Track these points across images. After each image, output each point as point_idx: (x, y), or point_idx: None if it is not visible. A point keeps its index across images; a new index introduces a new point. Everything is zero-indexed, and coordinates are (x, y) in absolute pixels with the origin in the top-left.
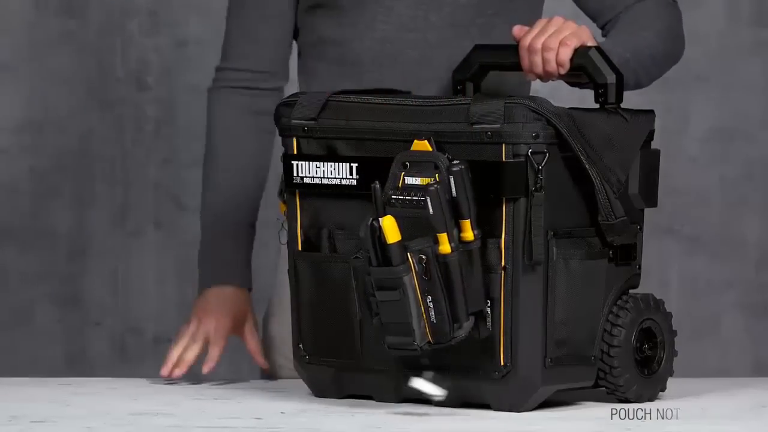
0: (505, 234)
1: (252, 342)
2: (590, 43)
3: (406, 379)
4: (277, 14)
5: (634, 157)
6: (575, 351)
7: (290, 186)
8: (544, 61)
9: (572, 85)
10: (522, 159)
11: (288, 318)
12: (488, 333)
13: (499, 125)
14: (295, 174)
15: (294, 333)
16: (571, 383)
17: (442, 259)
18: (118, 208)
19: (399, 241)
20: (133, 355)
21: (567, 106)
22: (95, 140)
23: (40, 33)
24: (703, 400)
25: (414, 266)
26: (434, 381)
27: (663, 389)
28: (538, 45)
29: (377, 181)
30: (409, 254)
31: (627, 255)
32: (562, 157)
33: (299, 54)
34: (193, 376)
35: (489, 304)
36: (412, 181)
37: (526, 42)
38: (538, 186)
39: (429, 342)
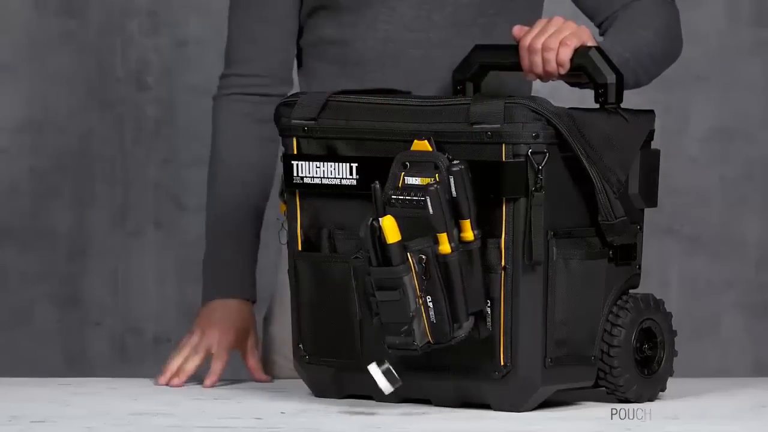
0: (505, 234)
1: (252, 360)
2: (590, 43)
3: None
4: (281, 18)
5: (634, 157)
6: (575, 351)
7: (290, 186)
8: (544, 61)
9: (572, 85)
10: (522, 159)
11: (288, 318)
12: (488, 333)
13: (499, 125)
14: (295, 174)
15: (294, 333)
16: (571, 383)
17: (442, 259)
18: (118, 208)
19: (399, 241)
20: (133, 355)
21: (567, 106)
22: (95, 140)
23: (40, 33)
24: (703, 400)
25: (414, 266)
26: (389, 375)
27: (663, 389)
28: (538, 45)
29: (377, 181)
30: (409, 254)
31: (627, 255)
32: (562, 157)
33: (299, 54)
34: (194, 376)
35: (489, 304)
36: (412, 181)
37: (526, 42)
38: (538, 186)
39: (429, 342)
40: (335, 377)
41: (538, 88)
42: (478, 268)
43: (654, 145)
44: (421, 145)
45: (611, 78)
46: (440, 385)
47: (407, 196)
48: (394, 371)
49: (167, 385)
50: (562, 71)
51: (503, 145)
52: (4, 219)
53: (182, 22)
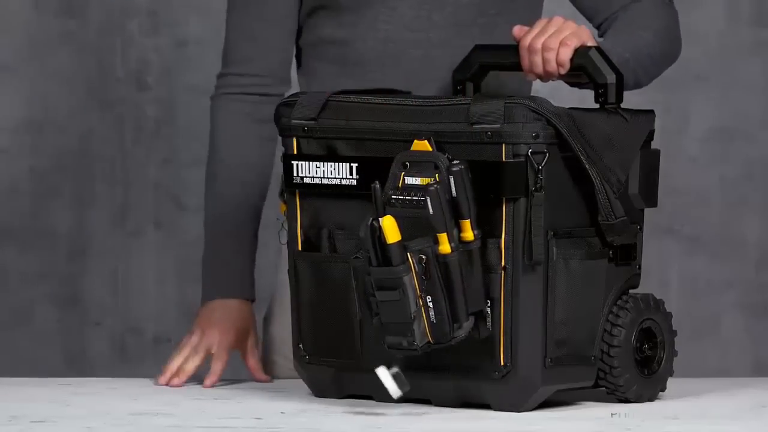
0: (505, 234)
1: (252, 360)
2: (590, 43)
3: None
4: (281, 18)
5: (634, 157)
6: (575, 351)
7: (290, 186)
8: (544, 61)
9: (572, 85)
10: (522, 159)
11: (288, 318)
12: (488, 333)
13: (499, 125)
14: (295, 174)
15: (294, 333)
16: (571, 383)
17: (442, 259)
18: (118, 208)
19: (399, 241)
20: (133, 355)
21: (567, 106)
22: (95, 140)
23: (40, 33)
24: (703, 400)
25: (414, 266)
26: (398, 379)
27: (663, 389)
28: (538, 45)
29: (377, 181)
30: (409, 254)
31: (627, 255)
32: (562, 157)
33: (298, 54)
34: (194, 376)
35: (489, 304)
36: (412, 181)
37: (526, 42)
38: (538, 186)
39: (429, 342)
40: (335, 377)
41: (538, 88)
42: (478, 268)
43: (654, 145)
44: (421, 145)
45: (611, 78)
46: (440, 385)
47: (407, 196)
48: (403, 375)
49: (167, 385)
50: (562, 71)
51: (503, 145)
52: (4, 219)
53: (182, 22)
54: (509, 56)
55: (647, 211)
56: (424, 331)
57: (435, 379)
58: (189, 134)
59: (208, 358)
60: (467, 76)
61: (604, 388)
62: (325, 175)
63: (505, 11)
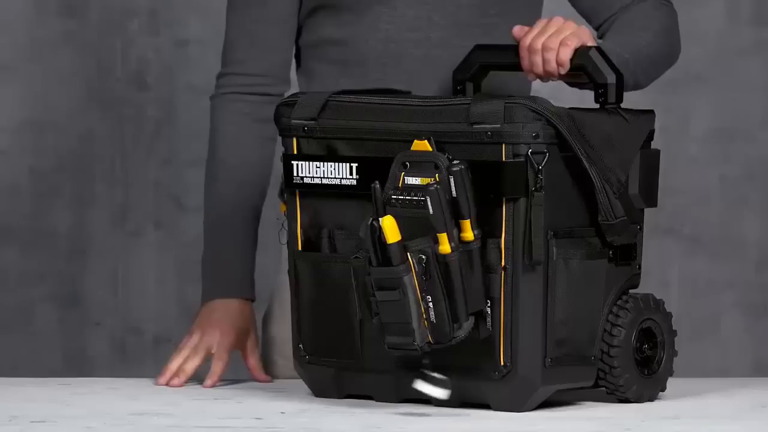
0: (505, 234)
1: (252, 359)
2: (590, 43)
3: (410, 380)
4: (281, 18)
5: (634, 157)
6: (575, 351)
7: (290, 186)
8: (544, 61)
9: (572, 85)
10: (522, 159)
11: (288, 318)
12: (488, 333)
13: (499, 125)
14: (295, 174)
15: (294, 333)
16: (571, 383)
17: (442, 259)
18: (118, 208)
19: (399, 241)
20: (133, 355)
21: (567, 106)
22: (95, 140)
23: (40, 33)
24: (703, 400)
25: (414, 266)
26: (437, 382)
27: (663, 389)
28: (539, 45)
29: (377, 181)
30: (409, 254)
31: (627, 255)
32: (562, 157)
33: (298, 54)
34: (194, 376)
35: (489, 304)
36: (412, 181)
37: (526, 42)
38: (538, 186)
39: (429, 342)
40: (335, 377)
41: (538, 88)
42: (478, 268)
43: (654, 145)
44: (421, 145)
45: (611, 78)
46: (443, 386)
47: (407, 196)
48: (438, 376)
49: (167, 385)
50: (562, 71)
51: (503, 145)
52: (4, 219)
53: (182, 22)
54: (509, 56)
55: (647, 211)
56: (424, 331)
57: (437, 380)
58: (189, 134)
59: (208, 358)
60: (467, 76)
61: (604, 388)
62: (325, 175)
63: (506, 11)
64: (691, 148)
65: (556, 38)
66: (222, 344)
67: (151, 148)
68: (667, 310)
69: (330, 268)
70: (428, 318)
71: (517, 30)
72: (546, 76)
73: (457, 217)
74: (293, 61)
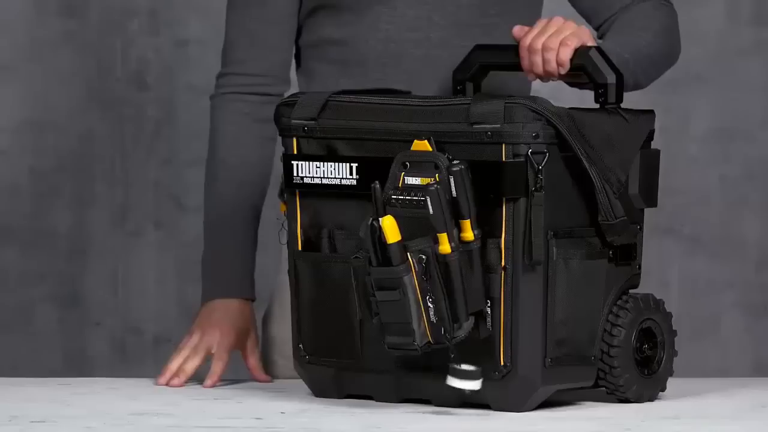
0: (505, 234)
1: (252, 359)
2: (590, 43)
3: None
4: (281, 18)
5: (634, 157)
6: (575, 351)
7: (290, 186)
8: (544, 61)
9: (572, 85)
10: (522, 159)
11: (288, 318)
12: (488, 333)
13: (499, 125)
14: (295, 174)
15: (294, 333)
16: (571, 383)
17: (442, 259)
18: (118, 208)
19: (399, 241)
20: (133, 355)
21: (567, 106)
22: (95, 140)
23: (40, 33)
24: (703, 400)
25: (414, 266)
26: (467, 375)
27: (663, 389)
28: (539, 45)
29: (377, 181)
30: (409, 254)
31: (627, 255)
32: (562, 157)
33: (298, 54)
34: (194, 376)
35: (489, 304)
36: (412, 181)
37: (526, 42)
38: (538, 186)
39: (429, 342)
40: (335, 377)
41: (538, 88)
42: (478, 268)
43: (654, 145)
44: (421, 145)
45: (611, 78)
46: (440, 385)
47: (407, 196)
48: (466, 368)
49: (167, 385)
50: (562, 71)
51: (503, 145)
52: (4, 219)
53: (182, 22)
54: (509, 56)
55: (647, 211)
56: (424, 331)
57: (435, 379)
58: (189, 134)
59: (208, 358)
60: (467, 76)
61: (604, 388)
62: (325, 175)
63: (506, 11)
64: (691, 148)
65: (556, 38)
66: (222, 344)
67: (151, 148)
68: (667, 310)
69: (330, 268)
70: (428, 318)
71: (517, 30)
72: (546, 76)
73: (457, 217)
74: (293, 61)
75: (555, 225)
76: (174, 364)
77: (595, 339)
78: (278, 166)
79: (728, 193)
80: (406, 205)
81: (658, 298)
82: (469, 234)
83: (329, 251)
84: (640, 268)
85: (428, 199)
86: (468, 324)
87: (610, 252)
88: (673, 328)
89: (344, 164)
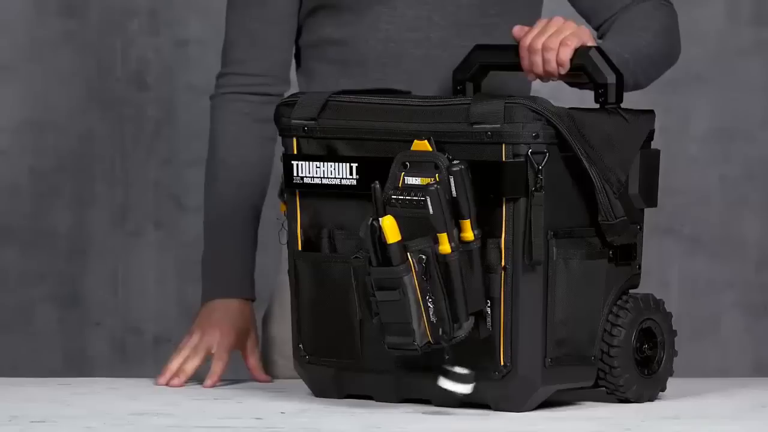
0: (505, 234)
1: (252, 359)
2: (590, 43)
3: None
4: (281, 18)
5: (634, 157)
6: (575, 351)
7: (290, 186)
8: (544, 61)
9: (572, 85)
10: (522, 159)
11: (288, 318)
12: (488, 333)
13: (499, 125)
14: (295, 174)
15: (294, 333)
16: (571, 383)
17: (442, 259)
18: (118, 208)
19: (399, 241)
20: (133, 355)
21: (567, 106)
22: (95, 140)
23: (40, 33)
24: (703, 400)
25: (414, 266)
26: (459, 378)
27: (663, 389)
28: (539, 45)
29: (377, 181)
30: (409, 254)
31: (627, 255)
32: (562, 157)
33: (298, 54)
34: (194, 376)
35: (489, 304)
36: (412, 181)
37: (526, 42)
38: (538, 186)
39: (429, 342)
40: (335, 377)
41: (538, 88)
42: (478, 268)
43: (654, 145)
44: (421, 145)
45: (611, 78)
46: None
47: (407, 196)
48: (459, 370)
49: (167, 385)
50: (562, 71)
51: (503, 145)
52: (4, 219)
53: (182, 22)
54: (509, 56)
55: (647, 211)
56: (424, 331)
57: (435, 379)
58: (189, 134)
59: (208, 358)
60: (467, 76)
61: (604, 388)
62: (325, 175)
63: (506, 11)
64: (691, 148)
65: (556, 38)
66: (222, 344)
67: (151, 148)
68: (667, 310)
69: (330, 268)
70: (428, 318)
71: (517, 30)
72: (546, 76)
73: (457, 217)
74: (293, 61)
75: (555, 225)
76: (174, 364)
77: (595, 339)
78: (278, 166)
79: (728, 193)
80: (406, 205)
81: (658, 298)
82: (469, 234)
83: (329, 251)
84: (640, 268)
85: (428, 199)
86: (468, 324)
87: (610, 252)
88: (673, 328)
89: (344, 164)
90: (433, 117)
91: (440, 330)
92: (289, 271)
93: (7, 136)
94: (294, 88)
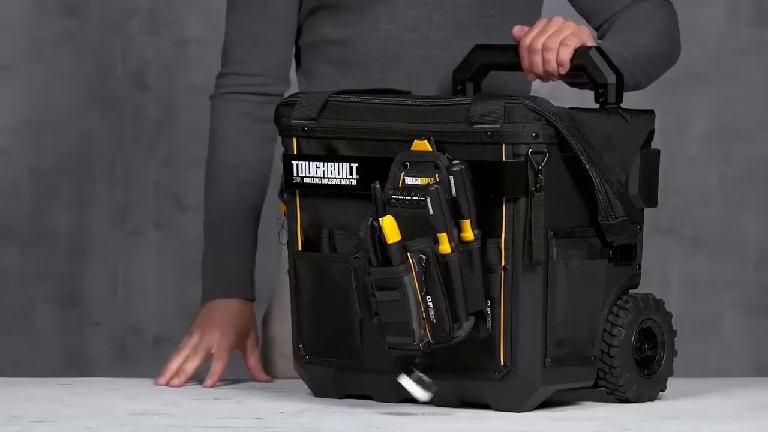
0: (505, 234)
1: (252, 359)
2: (590, 43)
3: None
4: (281, 18)
5: (634, 157)
6: (575, 351)
7: (290, 186)
8: (544, 61)
9: (572, 85)
10: (522, 159)
11: (288, 318)
12: (488, 333)
13: (499, 125)
14: (295, 174)
15: (294, 333)
16: (571, 383)
17: (442, 259)
18: (118, 208)
19: (399, 241)
20: (133, 355)
21: (567, 106)
22: (95, 140)
23: (40, 33)
24: (703, 400)
25: (414, 266)
26: (420, 383)
27: (663, 389)
28: (539, 45)
29: (377, 181)
30: (409, 254)
31: (627, 255)
32: (562, 157)
33: (298, 54)
34: (194, 376)
35: (489, 304)
36: (412, 181)
37: (526, 42)
38: (538, 186)
39: (429, 342)
40: (335, 377)
41: (538, 88)
42: (478, 268)
43: (654, 145)
44: (421, 145)
45: (611, 78)
46: (440, 385)
47: (407, 196)
48: (424, 377)
49: (167, 385)
50: (562, 71)
51: (503, 145)
52: (4, 219)
53: (182, 22)
54: (509, 56)
55: (647, 211)
56: (424, 331)
57: (435, 379)
58: (189, 134)
59: (208, 358)
60: (467, 76)
61: (604, 388)
62: (325, 175)
63: (506, 11)
64: (691, 148)
65: (556, 38)
66: (222, 344)
67: (151, 148)
68: (667, 310)
69: (330, 268)
70: (428, 318)
71: (517, 30)
72: (546, 76)
73: (457, 217)
74: (293, 61)
75: (555, 225)
76: (174, 364)
77: (595, 339)
78: (278, 166)
79: (728, 193)
80: (406, 205)
81: (658, 298)
82: (469, 234)
83: (329, 251)
84: (640, 268)
85: (428, 199)
86: (468, 324)
87: (610, 252)
88: (673, 328)
89: (344, 164)
90: (433, 117)
91: (440, 330)
92: (289, 271)
93: (7, 136)
94: (294, 88)
